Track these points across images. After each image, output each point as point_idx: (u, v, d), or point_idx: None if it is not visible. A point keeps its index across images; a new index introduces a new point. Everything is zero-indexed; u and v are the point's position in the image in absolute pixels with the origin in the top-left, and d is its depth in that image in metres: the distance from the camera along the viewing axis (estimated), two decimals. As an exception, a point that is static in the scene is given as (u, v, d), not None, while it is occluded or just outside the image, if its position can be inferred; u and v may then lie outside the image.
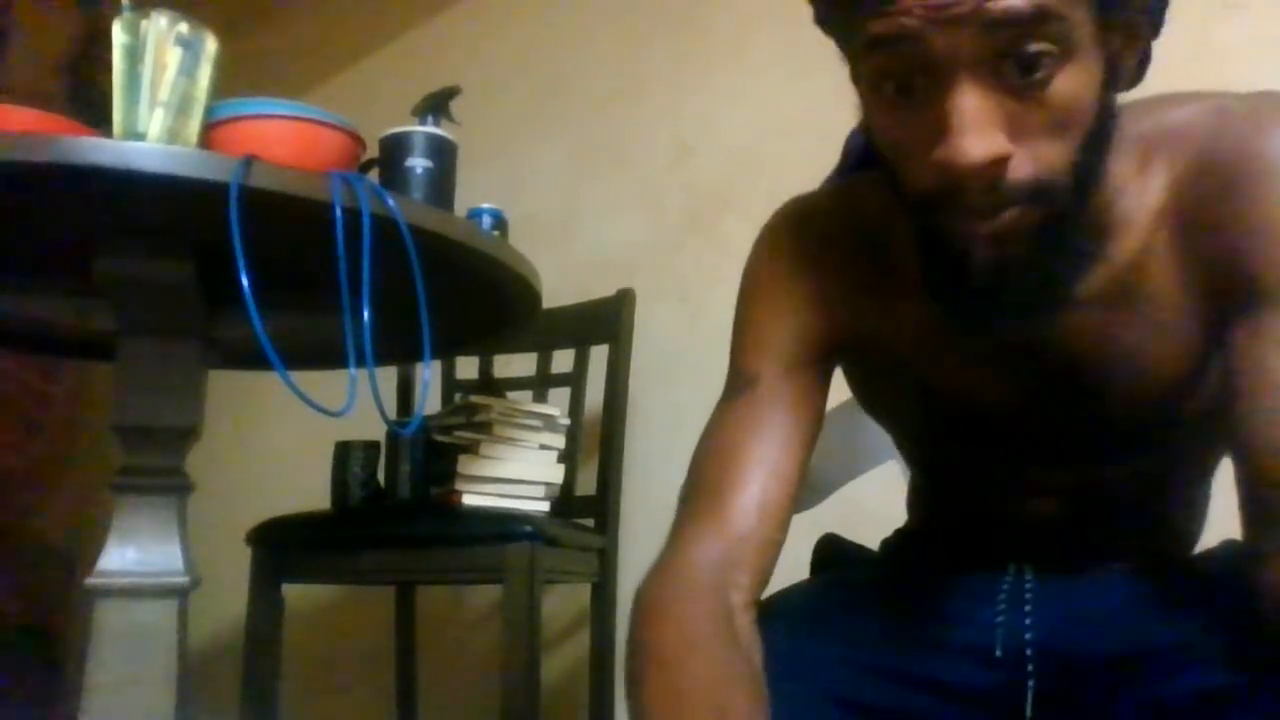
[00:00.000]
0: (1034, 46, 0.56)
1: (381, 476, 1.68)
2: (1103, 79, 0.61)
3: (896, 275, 0.74)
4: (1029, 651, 0.72)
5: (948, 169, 0.57)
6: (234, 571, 1.64)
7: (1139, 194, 0.67)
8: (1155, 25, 0.64)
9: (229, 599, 1.69)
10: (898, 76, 0.59)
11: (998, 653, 0.73)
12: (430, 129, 1.23)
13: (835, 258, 0.76)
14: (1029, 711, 0.71)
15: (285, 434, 2.31)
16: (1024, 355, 0.70)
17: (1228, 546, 0.80)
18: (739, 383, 0.76)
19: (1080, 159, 0.60)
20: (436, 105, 1.26)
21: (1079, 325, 0.68)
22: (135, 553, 1.10)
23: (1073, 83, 0.58)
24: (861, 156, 0.83)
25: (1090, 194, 0.63)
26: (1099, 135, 0.61)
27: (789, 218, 0.80)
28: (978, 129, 0.56)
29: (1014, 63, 0.57)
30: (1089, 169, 0.62)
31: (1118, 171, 0.66)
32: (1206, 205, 0.65)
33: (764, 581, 0.71)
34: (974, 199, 0.59)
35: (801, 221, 0.79)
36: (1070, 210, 0.61)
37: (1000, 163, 0.57)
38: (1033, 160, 0.59)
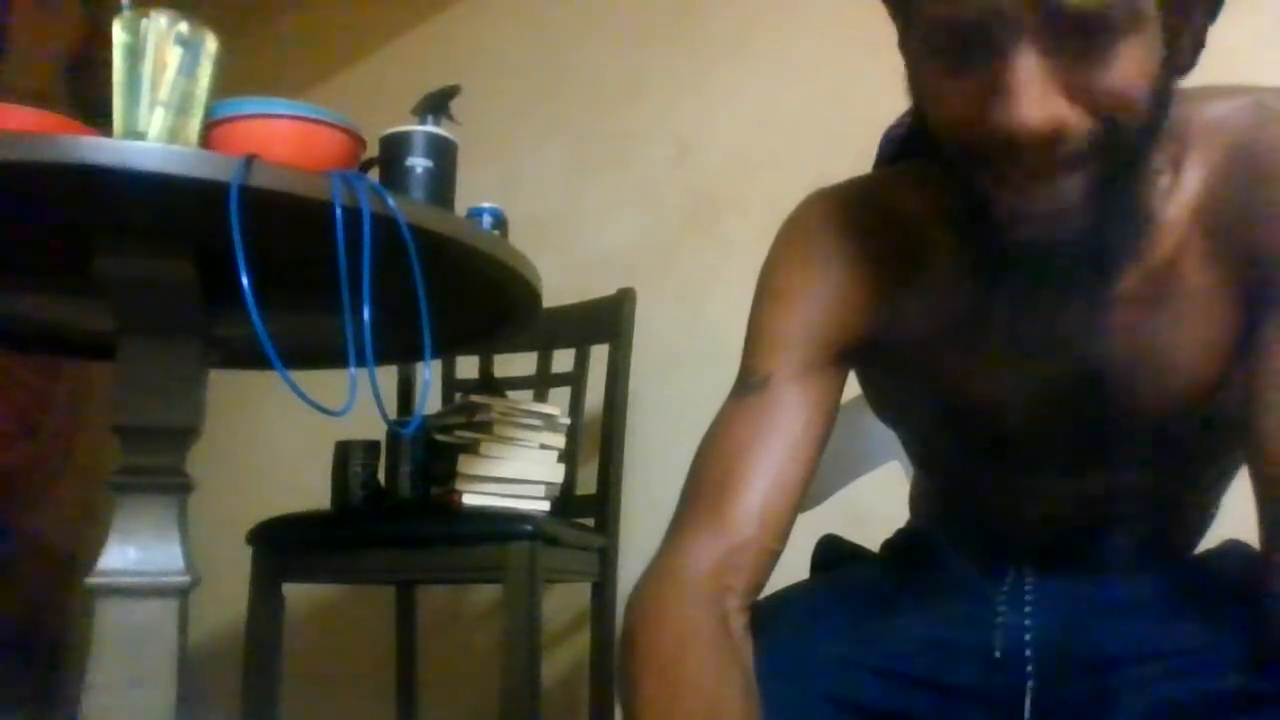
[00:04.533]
0: (1095, 22, 0.55)
1: (381, 476, 1.68)
2: (1162, 58, 0.59)
3: (925, 269, 0.72)
4: (1028, 652, 0.72)
5: (1005, 132, 0.56)
6: (234, 571, 1.64)
7: (1174, 189, 0.66)
8: (1211, 8, 0.62)
9: (229, 599, 1.69)
10: (956, 40, 0.58)
11: (997, 653, 0.72)
12: (430, 128, 1.23)
13: (859, 253, 0.74)
14: (1027, 713, 0.70)
15: (285, 434, 2.31)
16: (1051, 353, 0.69)
17: (1231, 547, 0.80)
18: (749, 382, 0.74)
19: (1135, 137, 0.59)
20: (436, 105, 1.26)
21: (1110, 324, 0.67)
22: (135, 552, 1.10)
23: (1134, 55, 0.57)
24: (894, 153, 0.82)
25: (1139, 177, 0.62)
26: (1155, 116, 0.60)
27: (812, 211, 0.78)
28: (1038, 93, 0.55)
29: (1076, 29, 0.55)
30: (1142, 149, 0.60)
31: (1153, 166, 0.65)
32: (1241, 203, 0.64)
33: (758, 588, 0.70)
34: (1029, 165, 0.58)
35: (825, 215, 0.77)
36: (1121, 185, 0.60)
37: (1058, 128, 0.56)
38: (1089, 126, 0.57)
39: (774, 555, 0.70)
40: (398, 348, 1.18)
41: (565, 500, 1.79)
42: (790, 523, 0.71)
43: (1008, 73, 0.56)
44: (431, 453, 1.64)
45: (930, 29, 0.59)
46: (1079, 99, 0.57)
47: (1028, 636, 0.72)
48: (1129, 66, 0.57)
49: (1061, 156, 0.58)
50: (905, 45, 0.65)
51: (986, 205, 0.61)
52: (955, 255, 0.70)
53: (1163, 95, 0.60)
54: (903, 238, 0.74)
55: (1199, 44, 0.63)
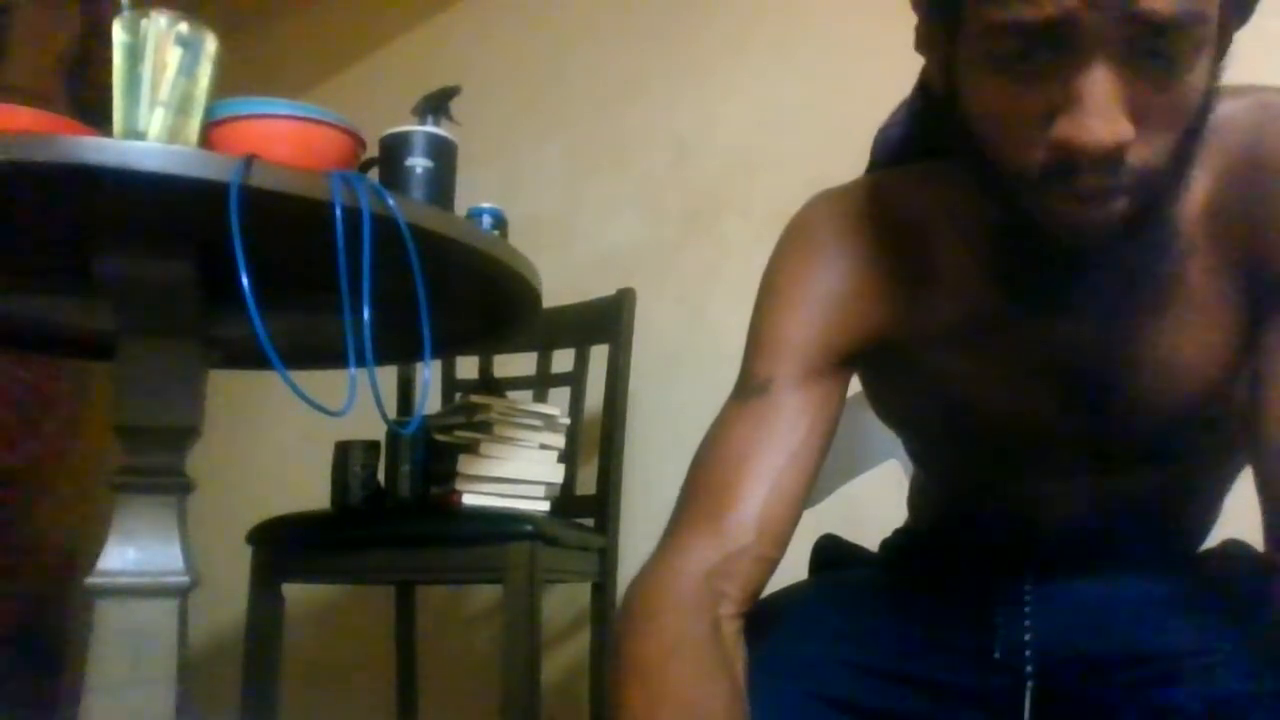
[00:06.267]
0: (1173, 37, 0.54)
1: (381, 476, 1.68)
2: (1210, 71, 0.59)
3: (932, 273, 0.72)
4: (1028, 653, 0.72)
5: (1070, 147, 0.55)
6: (234, 571, 1.64)
7: (1182, 191, 0.65)
8: (1244, 17, 0.62)
9: (229, 599, 1.69)
10: (1022, 47, 0.56)
11: (996, 654, 0.72)
12: (430, 129, 1.23)
13: (864, 255, 0.74)
14: (1027, 713, 0.70)
15: (285, 434, 2.31)
16: (1058, 356, 0.69)
17: (1232, 547, 0.80)
18: (750, 386, 0.73)
19: (1184, 149, 0.59)
20: (436, 105, 1.26)
21: (1117, 328, 0.67)
22: (135, 553, 1.10)
23: (1199, 73, 0.57)
24: (894, 152, 0.81)
25: (1178, 193, 0.61)
26: (1199, 125, 0.60)
27: (816, 213, 0.77)
28: (1108, 111, 0.54)
29: (1150, 50, 0.55)
30: (1185, 159, 0.60)
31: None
32: (1245, 204, 0.64)
33: (754, 595, 0.70)
34: (1088, 181, 0.57)
35: (829, 217, 0.76)
36: (1164, 200, 0.60)
37: (1122, 148, 0.55)
38: (1149, 146, 0.57)
39: (771, 563, 0.70)
40: (398, 348, 1.18)
41: (565, 500, 1.79)
42: (790, 530, 0.70)
43: (1078, 87, 0.55)
44: (431, 453, 1.64)
45: (993, 33, 0.57)
46: (1141, 123, 0.56)
47: (1027, 638, 0.72)
48: (1190, 90, 0.57)
49: (1118, 179, 0.57)
50: (939, 45, 0.64)
51: (1027, 213, 0.60)
52: (963, 258, 0.70)
53: (1206, 106, 0.60)
54: (908, 240, 0.73)
55: (1226, 51, 0.62)
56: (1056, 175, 0.57)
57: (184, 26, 1.02)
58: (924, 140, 0.76)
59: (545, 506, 1.65)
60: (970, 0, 0.58)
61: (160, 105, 1.01)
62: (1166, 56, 0.55)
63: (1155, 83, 0.56)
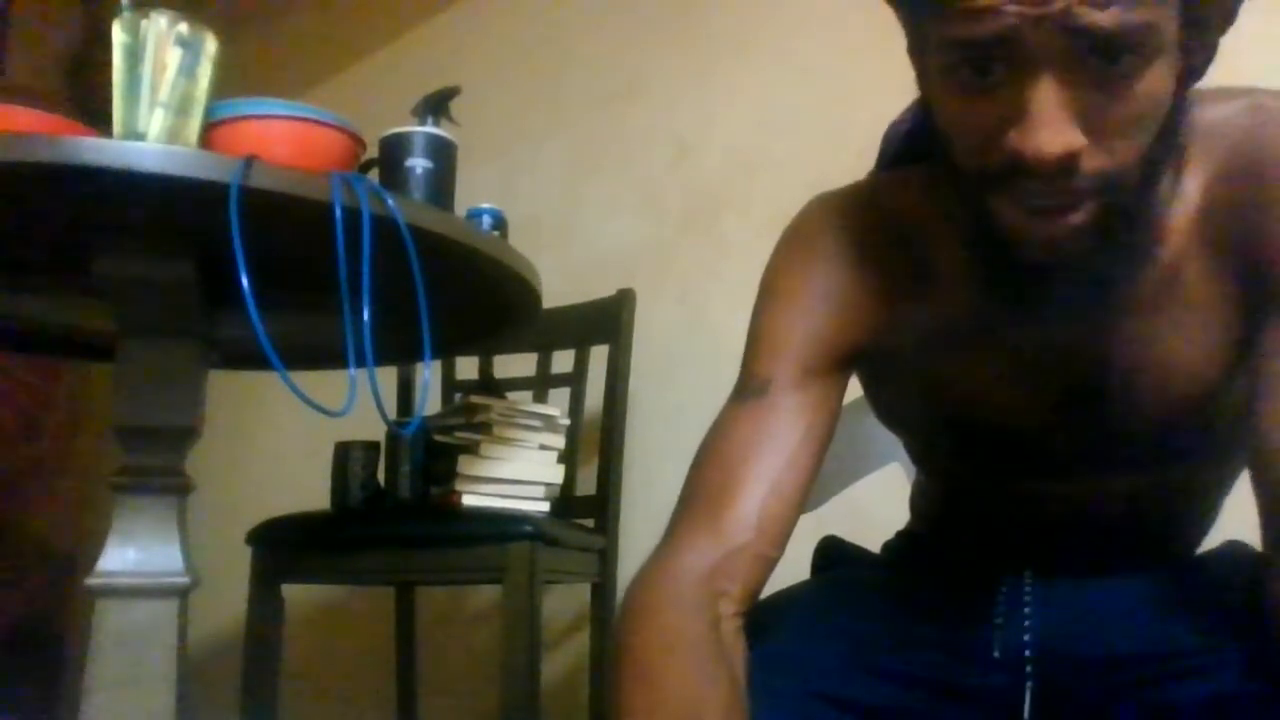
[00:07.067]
0: (1119, 47, 0.55)
1: (381, 477, 1.68)
2: (1177, 74, 0.59)
3: (929, 275, 0.72)
4: (1028, 653, 0.72)
5: (1020, 158, 0.56)
6: (234, 571, 1.64)
7: (1174, 194, 0.65)
8: (1227, 19, 0.62)
9: (229, 599, 1.69)
10: (974, 61, 0.57)
11: (996, 654, 0.72)
12: (430, 129, 1.23)
13: (863, 258, 0.74)
14: (1027, 712, 0.70)
15: (285, 434, 2.31)
16: (1054, 360, 0.69)
17: (1231, 548, 0.80)
18: (750, 387, 0.74)
19: (1150, 155, 0.59)
20: (436, 105, 1.26)
21: (1111, 330, 0.67)
22: (135, 553, 1.10)
23: (1154, 81, 0.57)
24: (900, 150, 0.82)
25: (1149, 199, 0.62)
26: (1169, 131, 0.60)
27: (815, 215, 0.78)
28: (1056, 122, 0.55)
29: (1098, 59, 0.55)
30: (1156, 165, 0.60)
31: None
32: (1241, 207, 0.64)
33: (754, 593, 0.70)
34: (1040, 192, 0.57)
35: (828, 219, 0.77)
36: (1132, 208, 0.60)
37: (1073, 157, 0.56)
38: (1105, 155, 0.57)
39: (770, 561, 0.70)
40: (398, 348, 1.18)
41: (565, 501, 1.79)
42: (789, 529, 0.71)
43: (1026, 100, 0.56)
44: (431, 453, 1.64)
45: (948, 49, 0.58)
46: (1094, 132, 0.56)
47: (1027, 638, 0.72)
48: (1146, 97, 0.57)
49: (1073, 188, 0.57)
50: (917, 54, 0.65)
51: (994, 222, 0.61)
52: (959, 262, 0.70)
53: (1175, 113, 0.60)
54: (906, 243, 0.73)
55: (1211, 56, 0.62)
56: (1014, 186, 0.58)
57: (184, 27, 1.02)
58: (931, 141, 0.77)
59: (545, 507, 1.65)
60: (928, 16, 0.59)
61: (160, 106, 1.01)
62: (1115, 67, 0.55)
63: (1107, 92, 0.56)
